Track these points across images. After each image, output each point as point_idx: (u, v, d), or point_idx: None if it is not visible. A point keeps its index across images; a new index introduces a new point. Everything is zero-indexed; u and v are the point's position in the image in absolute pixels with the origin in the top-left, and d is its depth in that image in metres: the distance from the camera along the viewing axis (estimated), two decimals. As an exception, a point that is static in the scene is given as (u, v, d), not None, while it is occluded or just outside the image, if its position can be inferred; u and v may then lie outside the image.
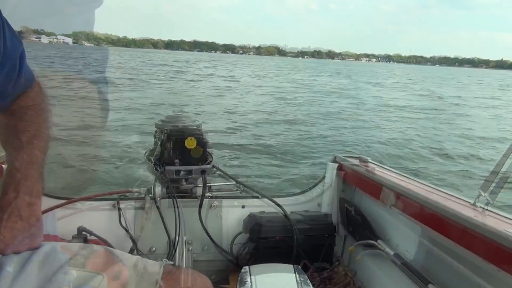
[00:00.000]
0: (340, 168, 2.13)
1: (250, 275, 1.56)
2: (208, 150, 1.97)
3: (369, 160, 2.03)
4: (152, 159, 1.93)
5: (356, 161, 2.04)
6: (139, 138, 7.67)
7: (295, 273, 1.58)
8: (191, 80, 24.44)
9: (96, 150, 6.81)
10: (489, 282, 1.20)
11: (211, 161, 1.95)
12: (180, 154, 1.86)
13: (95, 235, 1.79)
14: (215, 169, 2.01)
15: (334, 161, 2.17)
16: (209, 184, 1.97)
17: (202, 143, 1.88)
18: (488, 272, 1.16)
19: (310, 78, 36.92)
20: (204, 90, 18.59)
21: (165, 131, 1.89)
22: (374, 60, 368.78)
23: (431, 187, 1.62)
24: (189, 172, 1.88)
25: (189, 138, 1.85)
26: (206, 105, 13.67)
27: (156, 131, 2.00)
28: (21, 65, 0.92)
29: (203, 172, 1.90)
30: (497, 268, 1.12)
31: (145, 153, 2.08)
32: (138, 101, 13.48)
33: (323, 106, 15.67)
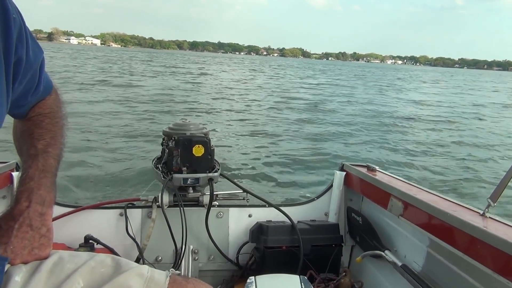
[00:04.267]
0: (347, 176, 2.11)
1: (255, 286, 1.56)
2: (215, 158, 1.97)
3: (377, 169, 2.00)
4: (160, 167, 1.94)
5: (364, 170, 2.01)
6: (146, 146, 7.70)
7: (301, 284, 1.57)
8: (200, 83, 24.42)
9: (103, 158, 6.87)
10: None
11: (218, 169, 1.95)
12: (188, 162, 1.85)
13: (102, 243, 1.80)
14: (222, 177, 2.01)
15: (342, 169, 2.15)
16: (216, 192, 1.96)
17: (209, 151, 1.89)
18: (499, 284, 1.12)
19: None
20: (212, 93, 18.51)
21: (172, 138, 1.89)
22: (399, 62, 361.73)
23: (439, 196, 1.57)
24: (197, 180, 1.87)
25: (197, 145, 1.85)
26: (214, 112, 13.62)
27: (163, 139, 2.01)
28: (40, 74, 0.93)
29: (210, 180, 1.89)
30: (507, 281, 1.08)
31: (153, 160, 2.08)
32: (145, 107, 13.50)
33: (332, 112, 15.33)
